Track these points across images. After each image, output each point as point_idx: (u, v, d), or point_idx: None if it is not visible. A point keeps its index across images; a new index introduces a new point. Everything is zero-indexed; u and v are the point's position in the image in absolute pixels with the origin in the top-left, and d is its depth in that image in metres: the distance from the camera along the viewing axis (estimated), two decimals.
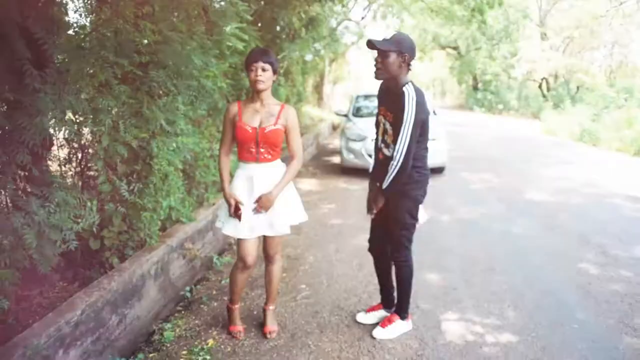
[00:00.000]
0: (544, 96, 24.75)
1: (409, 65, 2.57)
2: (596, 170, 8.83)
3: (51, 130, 3.04)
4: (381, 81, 2.77)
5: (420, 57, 27.89)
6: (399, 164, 2.54)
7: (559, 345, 2.76)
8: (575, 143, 13.43)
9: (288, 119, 2.67)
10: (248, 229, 2.69)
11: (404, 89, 2.54)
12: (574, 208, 5.94)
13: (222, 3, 5.83)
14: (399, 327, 2.92)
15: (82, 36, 3.37)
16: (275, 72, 2.64)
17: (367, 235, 4.54)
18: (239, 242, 2.77)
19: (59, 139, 3.37)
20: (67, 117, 3.00)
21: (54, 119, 2.75)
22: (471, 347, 2.76)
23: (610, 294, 3.46)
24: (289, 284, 3.65)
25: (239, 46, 5.63)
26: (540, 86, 25.78)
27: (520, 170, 8.61)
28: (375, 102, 9.48)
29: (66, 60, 2.96)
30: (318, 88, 19.59)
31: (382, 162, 2.71)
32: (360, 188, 7.03)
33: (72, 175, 3.57)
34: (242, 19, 5.74)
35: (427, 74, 41.06)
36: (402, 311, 2.95)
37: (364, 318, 3.08)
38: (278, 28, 8.31)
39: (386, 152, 2.69)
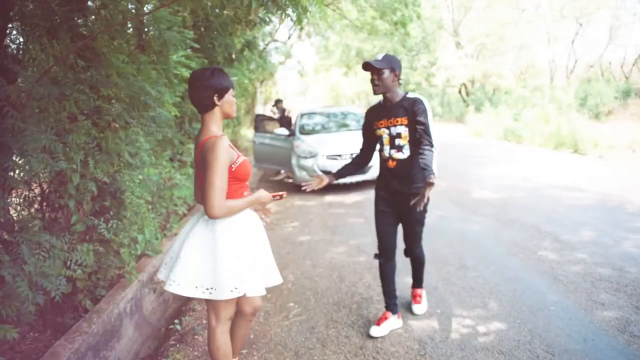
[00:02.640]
0: (464, 101, 26.24)
1: (399, 79, 2.93)
2: (527, 165, 9.53)
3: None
4: (369, 107, 3.18)
5: (345, 72, 28.69)
6: (435, 147, 2.79)
7: (543, 327, 3.01)
8: (501, 142, 14.37)
9: None
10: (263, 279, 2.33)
11: (414, 95, 2.93)
12: (519, 202, 6.40)
13: (168, 32, 5.79)
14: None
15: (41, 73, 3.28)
16: None
17: (337, 249, 4.66)
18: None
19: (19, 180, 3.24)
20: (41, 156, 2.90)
21: (35, 158, 2.65)
22: (467, 339, 2.94)
23: (572, 275, 3.79)
24: (276, 304, 3.68)
25: (185, 74, 5.63)
26: (459, 91, 27.32)
27: (461, 172, 9.12)
28: (318, 119, 9.84)
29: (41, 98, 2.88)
30: (250, 110, 19.62)
31: (396, 168, 2.98)
32: (317, 204, 7.18)
33: (33, 216, 3.43)
34: (188, 46, 5.75)
35: (352, 88, 42.10)
36: (422, 282, 3.45)
37: (379, 331, 3.10)
38: (216, 54, 8.31)
39: (399, 155, 2.95)
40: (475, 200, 6.75)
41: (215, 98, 2.11)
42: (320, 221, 6.12)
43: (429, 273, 4.05)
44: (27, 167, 2.55)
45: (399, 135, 2.92)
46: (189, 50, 5.96)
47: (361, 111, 10.48)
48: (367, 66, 2.87)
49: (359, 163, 3.23)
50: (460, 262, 4.29)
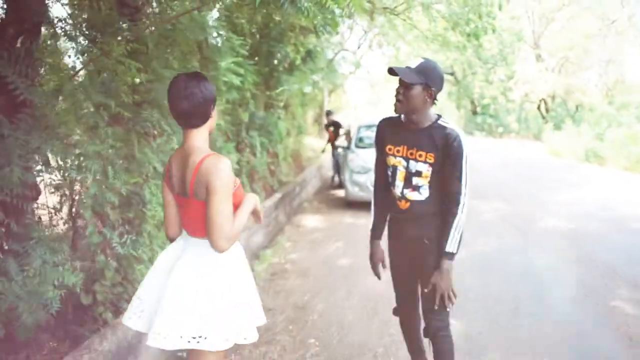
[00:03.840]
0: (543, 117, 24.75)
1: (434, 100, 2.17)
2: (609, 192, 8.58)
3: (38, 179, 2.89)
4: (384, 118, 2.44)
5: None
6: (464, 212, 2.14)
7: None
8: (581, 164, 13.21)
9: None
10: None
11: (449, 126, 2.18)
12: (594, 235, 5.64)
13: (218, 39, 5.72)
14: None
15: (68, 78, 3.19)
16: None
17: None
18: None
19: (47, 187, 3.17)
20: (42, 166, 2.79)
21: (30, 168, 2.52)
22: None
23: None
24: (296, 339, 3.32)
25: (235, 82, 5.49)
26: (539, 107, 25.82)
27: (530, 196, 8.33)
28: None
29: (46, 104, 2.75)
30: (318, 119, 19.53)
31: (409, 210, 2.24)
32: (367, 223, 6.72)
33: (62, 225, 3.35)
34: (238, 53, 5.61)
35: None
36: None
37: None
38: (276, 61, 8.18)
39: (414, 196, 2.24)
40: (542, 229, 6.04)
41: (211, 110, 1.80)
42: (367, 243, 5.68)
43: (473, 314, 3.53)
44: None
45: (418, 174, 2.20)
46: (244, 59, 5.83)
47: None
48: (392, 73, 2.12)
49: (387, 205, 2.43)
50: (515, 304, 3.72)
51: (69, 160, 2.90)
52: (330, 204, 8.59)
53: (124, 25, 3.74)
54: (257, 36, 7.44)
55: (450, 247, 2.13)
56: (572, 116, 21.04)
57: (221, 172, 1.68)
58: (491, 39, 22.67)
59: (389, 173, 2.30)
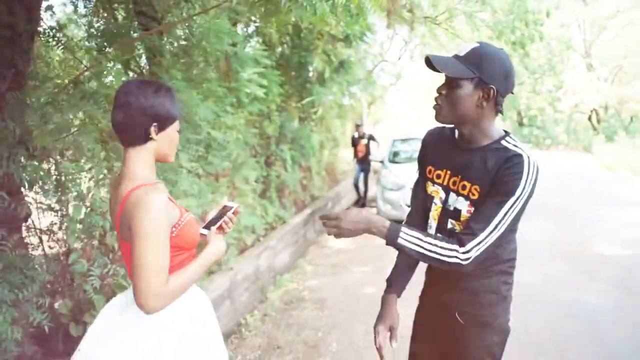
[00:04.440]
0: (594, 128, 23.52)
1: (497, 104, 1.43)
2: None
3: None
4: (431, 129, 1.72)
5: None
6: (469, 260, 1.37)
7: None
8: (637, 177, 12.19)
9: None
10: None
11: (515, 148, 1.43)
12: None
13: (239, 48, 5.46)
14: None
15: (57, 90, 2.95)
16: None
17: (405, 310, 3.71)
18: None
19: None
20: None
21: None
22: None
23: None
24: None
25: (258, 93, 5.20)
26: (590, 118, 24.58)
27: (583, 216, 7.58)
28: (414, 145, 8.86)
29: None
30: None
31: (438, 270, 1.51)
32: None
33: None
34: (261, 64, 5.33)
35: None
36: None
37: None
38: (310, 73, 7.86)
39: None
40: (595, 257, 5.36)
41: (152, 129, 1.38)
42: None
43: None
44: None
45: (456, 214, 1.50)
46: (271, 69, 5.53)
47: None
48: (429, 64, 1.42)
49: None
50: (560, 350, 3.17)
51: (47, 181, 2.65)
52: None
53: (135, 35, 3.55)
54: (286, 46, 7.16)
55: (404, 239, 1.39)
56: (626, 127, 19.80)
57: (147, 206, 1.29)
58: (539, 48, 21.70)
59: (427, 205, 1.62)
